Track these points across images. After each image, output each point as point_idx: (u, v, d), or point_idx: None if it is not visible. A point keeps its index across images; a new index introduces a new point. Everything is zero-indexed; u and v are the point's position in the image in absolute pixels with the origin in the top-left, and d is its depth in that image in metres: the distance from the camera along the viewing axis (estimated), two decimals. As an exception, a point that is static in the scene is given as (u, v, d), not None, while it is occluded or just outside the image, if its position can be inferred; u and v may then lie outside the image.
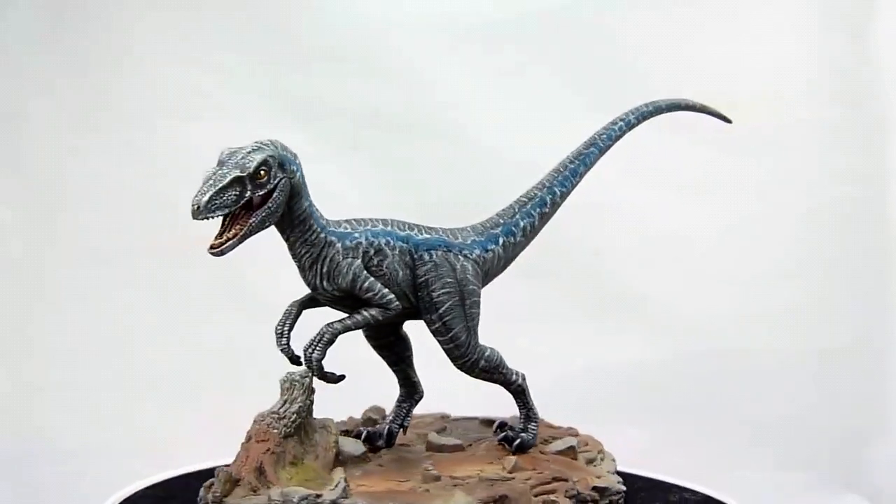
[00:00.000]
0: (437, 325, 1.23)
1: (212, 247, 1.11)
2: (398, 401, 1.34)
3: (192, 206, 1.05)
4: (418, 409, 1.38)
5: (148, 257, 2.14)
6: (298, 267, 1.20)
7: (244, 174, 1.08)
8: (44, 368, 2.12)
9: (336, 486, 1.13)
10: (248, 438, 1.17)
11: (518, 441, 1.30)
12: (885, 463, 2.07)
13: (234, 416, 1.53)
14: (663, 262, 2.11)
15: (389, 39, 2.16)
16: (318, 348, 1.18)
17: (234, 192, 1.07)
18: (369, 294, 1.18)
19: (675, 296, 2.11)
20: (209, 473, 1.53)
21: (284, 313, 1.23)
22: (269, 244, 2.15)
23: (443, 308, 1.22)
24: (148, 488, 1.50)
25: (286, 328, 1.22)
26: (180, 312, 2.14)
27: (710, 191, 2.11)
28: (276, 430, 1.16)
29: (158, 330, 2.12)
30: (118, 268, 2.14)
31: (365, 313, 1.19)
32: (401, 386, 1.34)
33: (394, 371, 1.34)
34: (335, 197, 2.18)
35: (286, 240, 1.18)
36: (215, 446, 1.48)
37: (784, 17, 2.11)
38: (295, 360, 1.21)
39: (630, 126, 1.44)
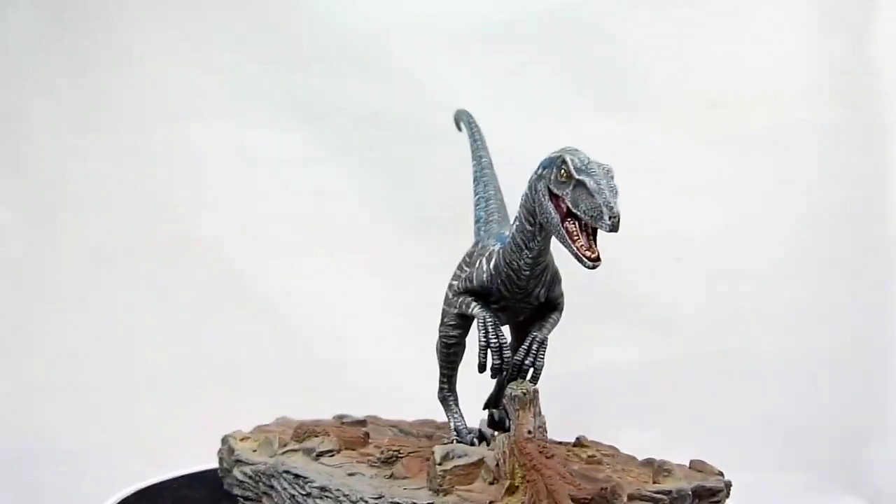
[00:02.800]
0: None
1: (598, 259, 1.05)
2: (456, 403, 1.33)
3: (615, 218, 0.99)
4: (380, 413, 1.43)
5: (148, 257, 2.14)
6: (528, 276, 1.13)
7: None
8: (44, 368, 2.12)
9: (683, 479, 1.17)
10: (542, 454, 1.10)
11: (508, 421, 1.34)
12: (885, 464, 2.06)
13: (234, 416, 1.53)
14: (663, 262, 2.11)
15: (389, 40, 2.16)
16: (540, 357, 1.16)
17: None
18: (561, 299, 1.19)
19: (674, 296, 2.11)
20: (209, 474, 1.53)
21: (491, 325, 1.15)
22: (269, 244, 2.16)
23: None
24: (148, 488, 1.50)
25: (503, 340, 1.15)
26: (180, 312, 2.14)
27: (710, 191, 2.11)
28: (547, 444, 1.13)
29: (158, 330, 2.12)
30: (118, 268, 2.14)
31: (554, 317, 1.19)
32: (453, 390, 1.33)
33: (454, 375, 1.31)
34: (335, 197, 2.20)
35: (540, 247, 1.12)
36: (215, 446, 1.49)
37: (784, 17, 2.11)
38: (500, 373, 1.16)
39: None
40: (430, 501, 1.09)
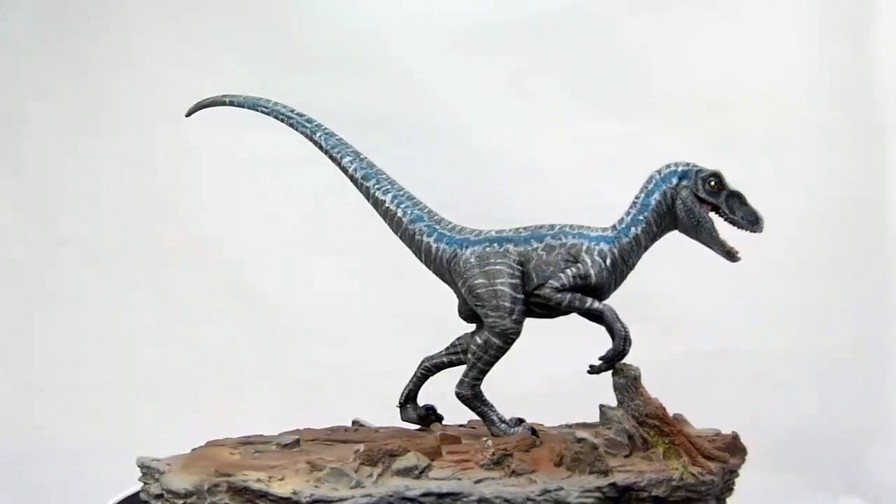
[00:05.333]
0: None
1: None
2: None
3: (763, 222, 1.28)
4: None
5: (148, 257, 2.14)
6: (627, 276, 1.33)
7: None
8: (44, 369, 2.13)
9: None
10: (678, 421, 1.25)
11: None
12: (885, 463, 2.06)
13: (234, 416, 1.54)
14: (663, 263, 2.11)
15: (390, 41, 2.16)
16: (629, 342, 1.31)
17: None
18: None
19: (674, 297, 2.10)
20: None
21: (619, 316, 1.31)
22: (269, 244, 2.16)
23: None
24: (148, 488, 1.50)
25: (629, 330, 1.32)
26: (180, 312, 2.14)
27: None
28: None
29: (158, 330, 2.12)
30: (118, 268, 2.15)
31: None
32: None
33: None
34: (335, 197, 2.20)
35: (650, 247, 1.36)
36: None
37: (784, 17, 2.11)
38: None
39: None
40: (610, 481, 1.12)
